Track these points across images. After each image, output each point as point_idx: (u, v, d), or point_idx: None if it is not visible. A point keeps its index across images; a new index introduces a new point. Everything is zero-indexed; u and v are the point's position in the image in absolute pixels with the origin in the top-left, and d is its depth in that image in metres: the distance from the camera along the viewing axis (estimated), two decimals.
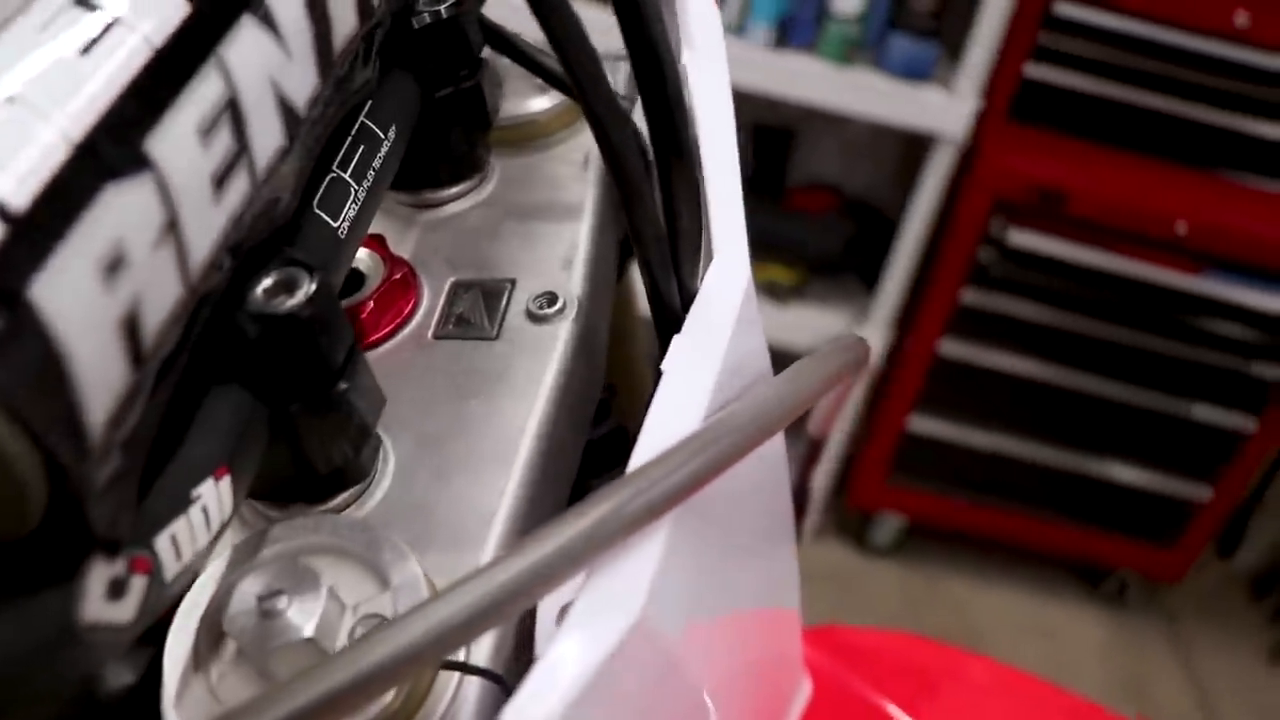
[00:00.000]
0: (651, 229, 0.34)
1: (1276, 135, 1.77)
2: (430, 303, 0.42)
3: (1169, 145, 1.81)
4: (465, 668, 0.31)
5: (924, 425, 2.01)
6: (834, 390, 0.51)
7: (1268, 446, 1.97)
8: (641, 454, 0.30)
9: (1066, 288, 1.83)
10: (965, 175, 1.78)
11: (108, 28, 0.24)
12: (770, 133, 2.11)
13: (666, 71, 0.33)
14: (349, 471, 0.35)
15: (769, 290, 2.03)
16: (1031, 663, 0.71)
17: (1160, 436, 1.97)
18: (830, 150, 2.16)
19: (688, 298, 0.35)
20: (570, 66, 0.32)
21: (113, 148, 0.23)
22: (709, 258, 0.35)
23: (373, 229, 0.45)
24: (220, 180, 0.27)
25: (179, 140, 0.25)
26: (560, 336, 0.40)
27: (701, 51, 0.39)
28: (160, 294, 0.25)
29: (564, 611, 0.31)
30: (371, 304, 0.40)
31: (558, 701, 0.25)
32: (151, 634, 0.33)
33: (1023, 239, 1.76)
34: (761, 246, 2.14)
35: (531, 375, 0.38)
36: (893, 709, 0.63)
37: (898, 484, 2.07)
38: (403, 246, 0.44)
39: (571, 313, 0.40)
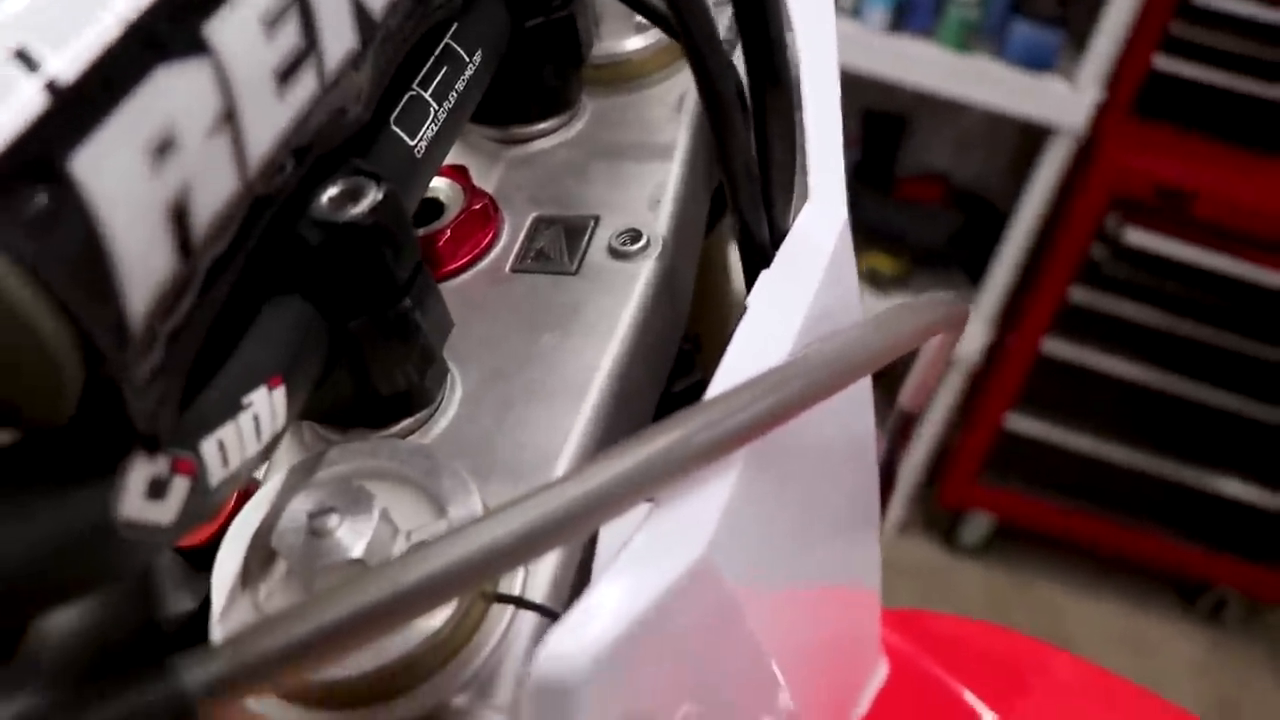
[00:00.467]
0: (742, 160, 0.32)
1: None
2: (510, 237, 0.41)
3: None
4: (519, 601, 0.30)
5: (1022, 424, 1.96)
6: (928, 359, 0.49)
7: None
8: (718, 385, 0.28)
9: (1182, 291, 1.76)
10: (1082, 170, 1.72)
11: None
12: (882, 119, 2.07)
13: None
14: (413, 397, 0.34)
15: (870, 279, 2.00)
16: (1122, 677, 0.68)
17: (1271, 451, 1.89)
18: (943, 139, 2.11)
19: (779, 236, 0.33)
20: None
21: (169, 29, 0.22)
22: (804, 198, 0.33)
23: (457, 161, 0.44)
24: (284, 76, 0.26)
25: (241, 28, 0.24)
26: (642, 275, 0.38)
27: None
28: (213, 185, 0.24)
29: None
30: (448, 233, 0.39)
31: (600, 635, 0.24)
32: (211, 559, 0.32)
33: (1139, 238, 1.70)
34: (866, 234, 2.11)
35: (609, 312, 0.37)
36: (971, 698, 0.61)
37: (991, 483, 2.02)
38: (486, 181, 0.43)
39: (655, 251, 0.39)
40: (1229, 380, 1.84)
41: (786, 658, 0.37)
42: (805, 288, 0.31)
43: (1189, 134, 1.73)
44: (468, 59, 0.37)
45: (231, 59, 0.23)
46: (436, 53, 0.36)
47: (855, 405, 0.39)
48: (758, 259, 0.33)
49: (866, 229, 2.03)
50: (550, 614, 0.30)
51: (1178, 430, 1.93)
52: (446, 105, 0.36)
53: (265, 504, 0.32)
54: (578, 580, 0.32)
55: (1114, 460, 1.96)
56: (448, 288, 0.39)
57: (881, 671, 0.60)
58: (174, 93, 0.22)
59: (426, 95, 0.35)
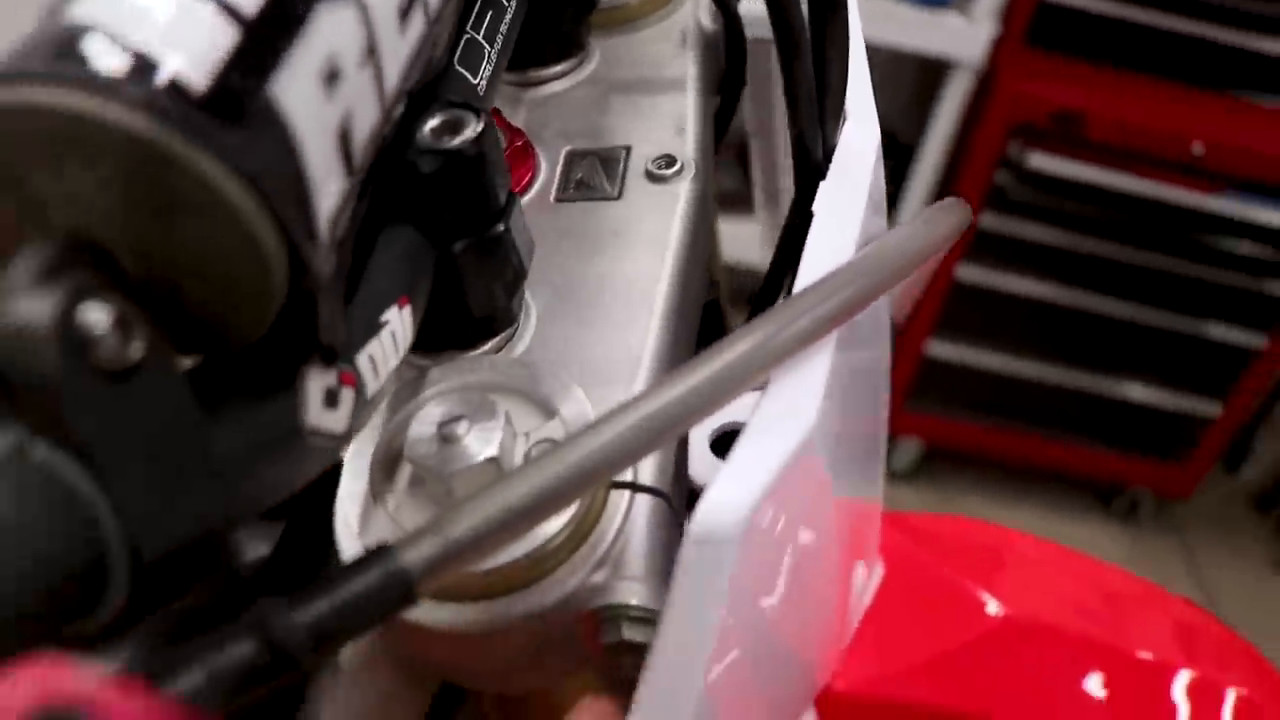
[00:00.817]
0: (806, 85, 0.36)
1: None
2: (548, 171, 0.44)
3: (1185, 67, 1.82)
4: (634, 486, 0.33)
5: (942, 350, 2.04)
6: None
7: (1276, 363, 2.00)
8: (805, 279, 0.32)
9: (1083, 210, 1.85)
10: (982, 100, 1.79)
11: None
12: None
13: None
14: (498, 318, 0.37)
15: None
16: None
17: (1173, 355, 2.00)
18: None
19: (829, 151, 0.37)
20: None
21: None
22: (844, 115, 0.37)
23: None
24: (405, 14, 0.28)
25: None
26: (681, 195, 0.41)
27: None
28: (364, 111, 0.27)
29: (719, 437, 0.33)
30: None
31: (747, 496, 0.27)
32: (288, 506, 0.34)
33: (1041, 162, 1.77)
34: None
35: (659, 230, 0.40)
36: (963, 578, 0.65)
37: (916, 409, 2.10)
38: (514, 121, 0.46)
39: (690, 173, 0.42)
40: (1129, 291, 1.94)
41: (837, 549, 0.41)
42: (858, 194, 0.35)
43: (1079, 61, 1.81)
44: (506, 4, 0.40)
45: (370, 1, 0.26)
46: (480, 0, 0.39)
47: (879, 309, 0.43)
48: (813, 172, 0.37)
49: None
50: (662, 495, 0.34)
51: (1085, 342, 2.03)
52: (495, 47, 0.38)
53: (376, 428, 0.35)
54: (676, 468, 0.35)
55: (1029, 376, 2.05)
56: None
57: (879, 570, 0.64)
58: (333, 28, 0.25)
59: (479, 38, 0.37)
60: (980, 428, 2.12)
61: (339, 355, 0.27)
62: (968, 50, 1.74)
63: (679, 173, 0.42)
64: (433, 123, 0.32)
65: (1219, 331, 1.95)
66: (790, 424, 0.29)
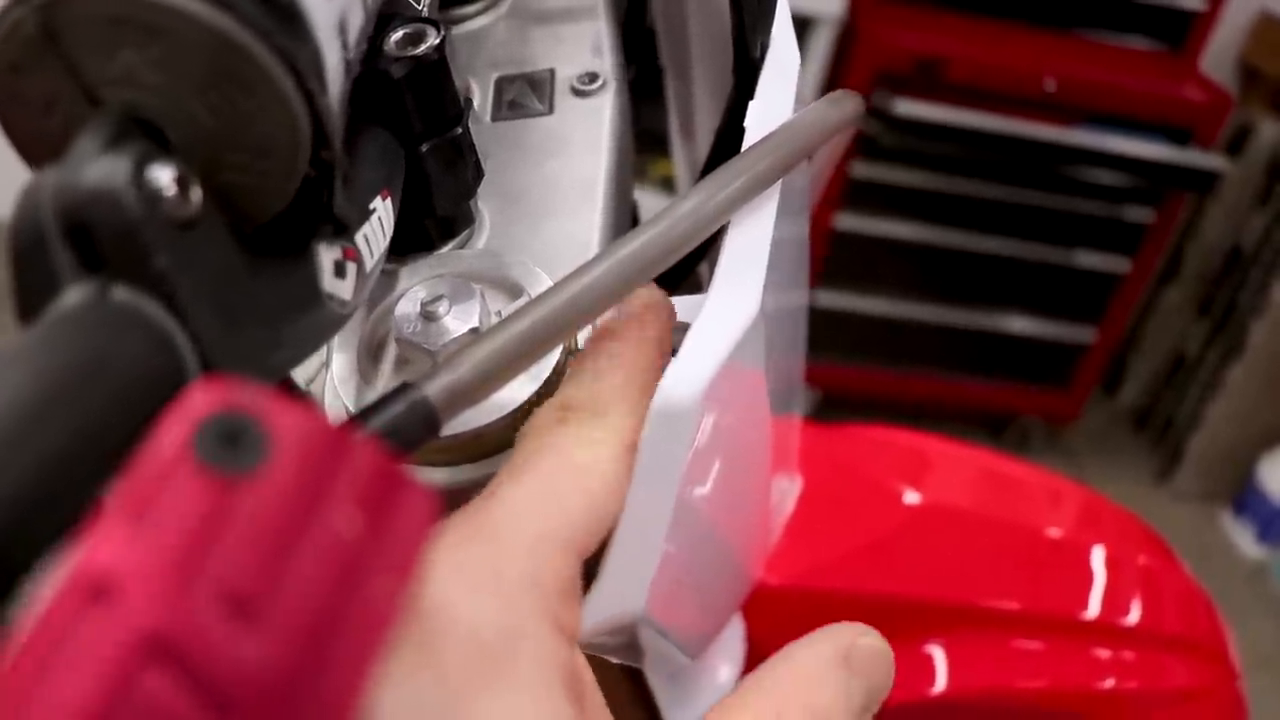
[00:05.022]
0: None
1: None
2: (481, 96, 0.46)
3: (1033, 9, 1.91)
4: None
5: (828, 300, 2.10)
6: (828, 154, 0.57)
7: (1141, 286, 2.12)
8: (751, 139, 0.35)
9: (951, 152, 1.93)
10: (845, 53, 1.86)
11: None
12: (650, 33, 2.14)
13: None
14: (458, 219, 0.40)
15: (663, 184, 2.08)
16: None
17: (1047, 286, 2.10)
18: None
19: (763, 47, 0.41)
20: None
21: None
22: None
23: None
24: None
25: None
26: (608, 106, 0.45)
27: None
28: (354, 12, 0.29)
29: None
30: None
31: (703, 370, 0.30)
32: None
33: (907, 108, 1.84)
34: (651, 142, 2.19)
35: (592, 137, 0.43)
36: (879, 474, 0.70)
37: (810, 359, 2.13)
38: None
39: (613, 85, 0.45)
40: (1001, 227, 2.03)
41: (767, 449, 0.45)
42: (790, 80, 0.39)
43: (934, 10, 1.89)
44: None
45: None
46: None
47: (803, 190, 0.47)
48: (752, 67, 0.41)
49: (653, 139, 2.10)
50: None
51: (965, 281, 2.11)
52: None
53: (358, 320, 0.37)
54: None
55: (914, 319, 2.13)
56: None
57: (798, 478, 0.68)
58: None
59: None
60: (873, 372, 2.20)
61: (348, 227, 0.30)
62: (827, 6, 1.80)
63: (602, 87, 0.45)
64: (396, 35, 0.35)
65: (1087, 259, 2.05)
66: (737, 314, 0.32)
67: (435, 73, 0.35)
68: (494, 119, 0.45)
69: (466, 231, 0.41)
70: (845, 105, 0.40)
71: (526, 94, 0.46)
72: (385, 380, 0.36)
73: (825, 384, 2.21)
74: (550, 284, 0.37)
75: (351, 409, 0.35)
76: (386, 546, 0.19)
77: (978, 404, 2.25)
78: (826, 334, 2.13)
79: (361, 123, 0.34)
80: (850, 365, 2.18)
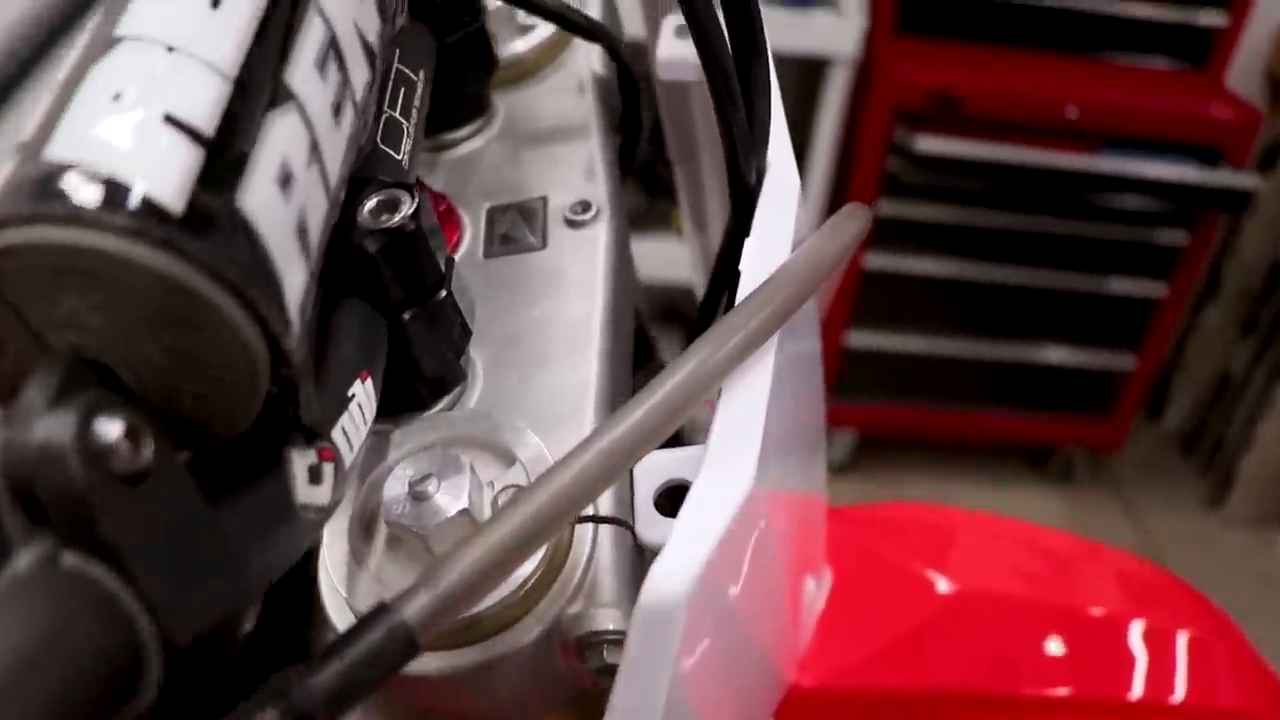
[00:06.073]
0: (739, 121, 0.38)
1: (1147, 15, 1.86)
2: (473, 229, 0.45)
3: (1049, 36, 1.89)
4: (597, 518, 0.35)
5: (860, 340, 2.08)
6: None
7: (1179, 309, 2.08)
8: (747, 287, 0.34)
9: (975, 185, 1.90)
10: (863, 92, 1.84)
11: None
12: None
13: None
14: (449, 376, 0.39)
15: (682, 232, 2.07)
16: None
17: (1082, 314, 2.07)
18: None
19: (760, 174, 0.40)
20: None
21: (264, 82, 0.27)
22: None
23: None
24: (337, 109, 0.30)
25: (306, 75, 0.28)
26: (601, 237, 0.43)
27: None
28: (316, 205, 0.28)
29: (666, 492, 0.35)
30: None
31: (693, 560, 0.28)
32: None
33: (928, 144, 1.82)
34: (669, 191, 2.17)
35: (586, 274, 0.42)
36: (911, 562, 0.68)
37: (845, 400, 2.13)
38: (434, 185, 0.48)
39: (605, 215, 0.44)
40: (1031, 258, 2.00)
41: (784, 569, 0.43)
42: (789, 208, 0.38)
43: (950, 43, 1.87)
44: (415, 78, 0.42)
45: (307, 100, 0.28)
46: (393, 77, 0.41)
47: (809, 313, 0.45)
48: (748, 196, 0.39)
49: (668, 187, 2.09)
50: (623, 524, 0.36)
51: (998, 314, 2.08)
52: (412, 121, 0.40)
53: (349, 494, 0.36)
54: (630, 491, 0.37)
55: (949, 354, 2.10)
56: None
57: (828, 573, 0.66)
58: (283, 135, 0.27)
59: (397, 115, 0.39)
60: (910, 410, 2.17)
61: (319, 434, 0.29)
62: (841, 45, 1.79)
63: (595, 216, 0.44)
64: (370, 204, 0.34)
65: (1121, 285, 2.02)
66: (729, 489, 0.30)
67: (412, 242, 0.34)
68: (486, 255, 0.44)
69: (459, 388, 0.39)
70: (849, 229, 0.39)
71: (519, 226, 0.45)
72: (378, 561, 0.34)
73: (862, 425, 2.19)
74: (539, 447, 0.36)
75: (344, 594, 0.34)
76: None
77: (1018, 437, 2.22)
78: (860, 374, 2.10)
79: (337, 296, 0.33)
80: (886, 405, 2.16)
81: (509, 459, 0.35)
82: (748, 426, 0.32)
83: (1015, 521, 0.77)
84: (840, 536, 0.69)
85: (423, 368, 0.37)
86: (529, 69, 0.52)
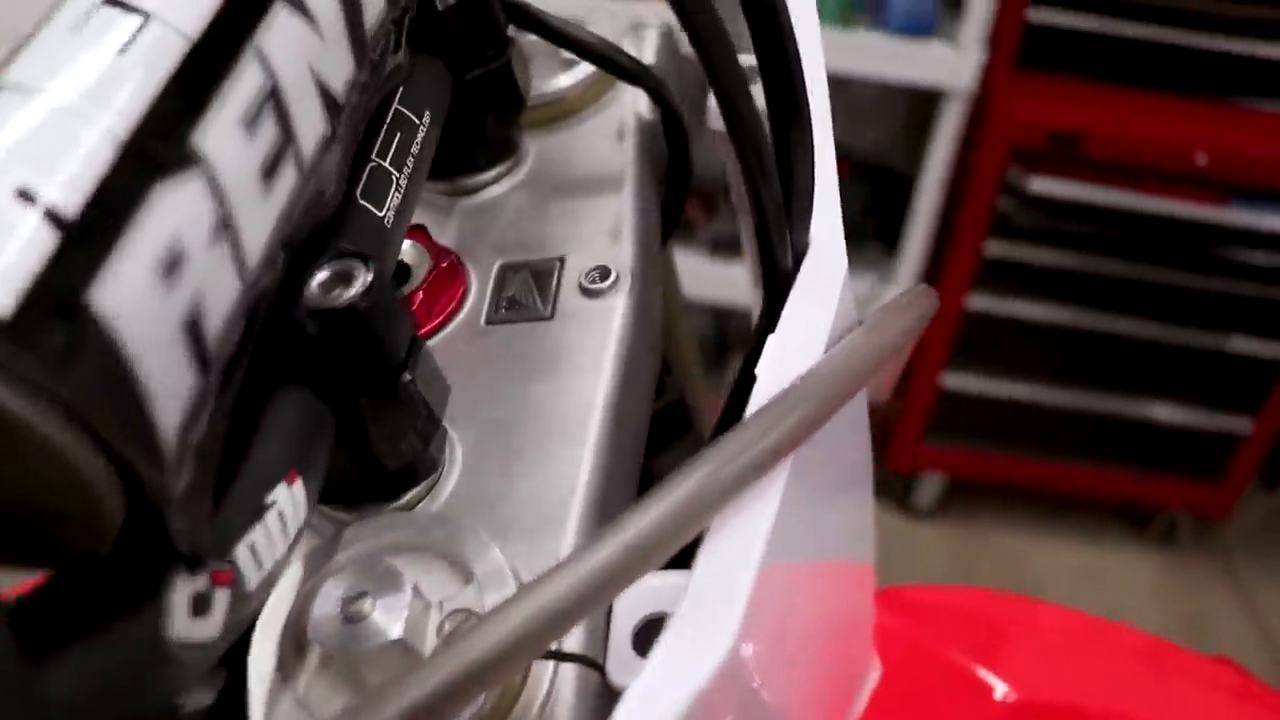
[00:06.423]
0: (771, 194, 0.33)
1: None
2: (479, 288, 0.41)
3: (1179, 77, 1.78)
4: (559, 655, 0.31)
5: (958, 382, 1.99)
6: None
7: None
8: (763, 395, 0.29)
9: (1091, 231, 1.81)
10: (978, 128, 1.76)
11: (141, 25, 0.23)
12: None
13: (784, 25, 0.32)
14: (418, 466, 0.34)
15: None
16: (1089, 609, 0.70)
17: (1198, 372, 1.95)
18: (837, 114, 2.12)
19: (799, 253, 0.34)
20: (691, 27, 0.30)
21: (159, 146, 0.22)
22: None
23: (412, 220, 0.45)
24: (269, 172, 0.26)
25: (224, 133, 0.24)
26: (617, 310, 0.39)
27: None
28: (220, 292, 0.24)
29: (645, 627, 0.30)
30: (421, 295, 0.39)
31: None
32: (230, 653, 0.32)
33: (1043, 185, 1.74)
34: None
35: (592, 352, 0.37)
36: (968, 663, 0.62)
37: (937, 443, 2.05)
38: (444, 235, 0.44)
39: (625, 285, 0.39)
40: (1147, 310, 1.89)
41: (801, 671, 0.38)
42: (828, 303, 0.32)
43: (1072, 80, 1.78)
44: (418, 121, 0.37)
45: (221, 166, 0.24)
46: (388, 120, 0.36)
47: (855, 404, 0.40)
48: (782, 282, 0.34)
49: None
50: (591, 664, 0.31)
51: (1107, 365, 1.98)
52: (406, 170, 0.36)
53: (290, 594, 0.32)
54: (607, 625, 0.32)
55: (1051, 403, 2.00)
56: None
57: (875, 672, 0.60)
58: (174, 209, 0.22)
59: (386, 164, 0.35)
60: (1005, 458, 2.07)
61: (203, 561, 0.24)
62: (958, 78, 1.71)
63: (614, 285, 0.39)
64: (320, 277, 0.29)
65: (1242, 345, 1.90)
66: (708, 646, 0.25)
67: (364, 324, 0.29)
68: (489, 320, 0.40)
69: (433, 476, 0.35)
70: (902, 321, 0.33)
71: (529, 290, 0.40)
72: (307, 680, 0.30)
73: (953, 469, 2.10)
74: (500, 564, 0.31)
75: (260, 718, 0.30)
76: None
77: (1119, 495, 2.10)
78: (954, 417, 2.02)
79: (274, 381, 0.29)
80: (979, 450, 2.07)
81: (466, 574, 0.31)
82: (736, 570, 0.27)
83: (1091, 617, 0.70)
84: (892, 624, 0.64)
85: (383, 460, 0.32)
86: (570, 108, 0.48)
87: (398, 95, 0.37)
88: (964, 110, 1.75)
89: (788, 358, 0.31)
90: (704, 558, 0.27)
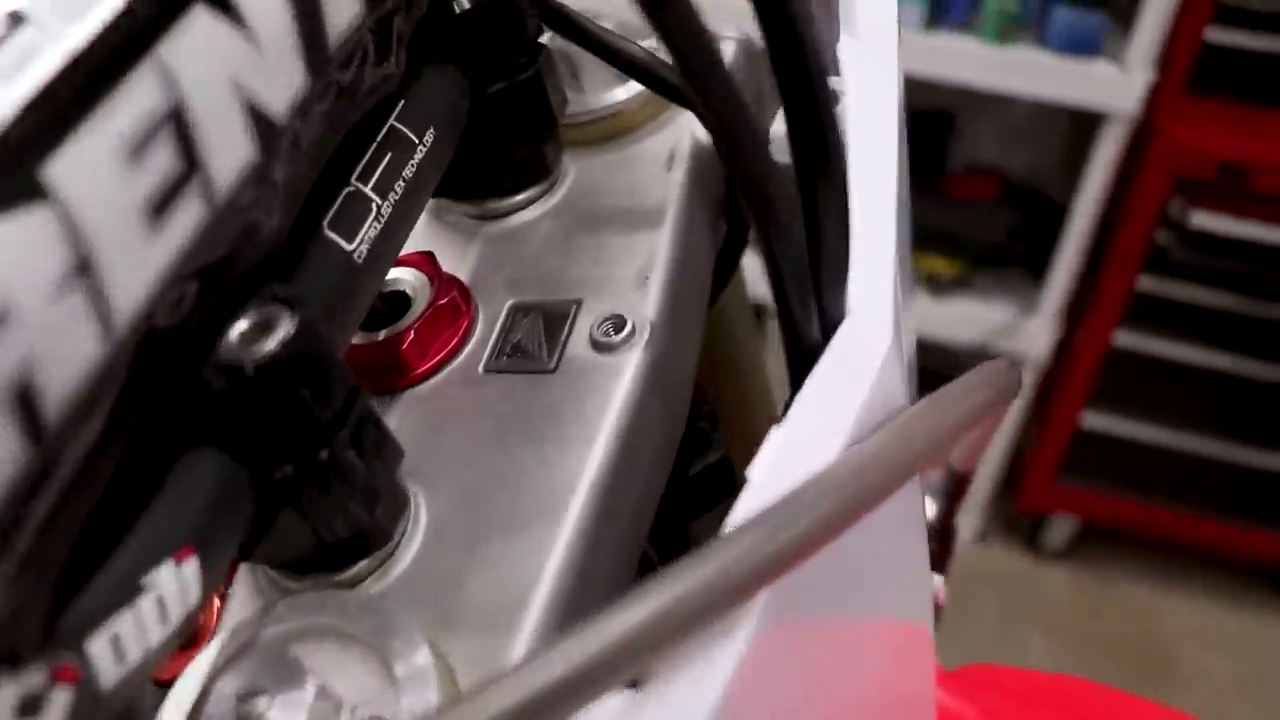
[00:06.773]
0: (790, 256, 0.27)
1: None
2: (485, 329, 0.37)
3: None
4: None
5: (1098, 422, 1.89)
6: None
7: None
8: (746, 506, 0.23)
9: (1251, 271, 1.68)
10: (1140, 154, 1.65)
11: (8, 30, 0.20)
12: (926, 117, 2.01)
13: (808, 57, 0.26)
14: (368, 536, 0.30)
15: (928, 282, 1.93)
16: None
17: None
18: (991, 133, 2.04)
19: (830, 326, 0.28)
20: (683, 58, 0.25)
21: None
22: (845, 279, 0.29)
23: (430, 243, 0.40)
24: (159, 208, 0.22)
25: (90, 165, 0.20)
26: (627, 370, 0.34)
27: (866, 36, 0.33)
28: (67, 355, 0.20)
29: None
30: (413, 334, 0.35)
31: None
32: None
33: (1206, 221, 1.62)
34: (918, 236, 2.04)
35: (589, 418, 0.33)
36: None
37: (1071, 484, 1.95)
38: (461, 264, 0.39)
39: (642, 339, 0.34)
40: None
41: None
42: (857, 388, 0.26)
43: (1240, 105, 1.65)
44: (417, 141, 0.33)
45: (80, 202, 0.20)
46: (378, 139, 0.32)
47: (905, 494, 0.34)
48: (808, 358, 0.28)
49: (919, 231, 1.97)
50: None
51: (1258, 415, 1.85)
52: (393, 197, 0.32)
53: (204, 670, 0.29)
54: None
55: (1198, 452, 1.88)
56: (415, 394, 0.36)
57: None
58: (3, 255, 0.18)
59: (367, 190, 0.31)
60: (1142, 505, 1.95)
61: (26, 657, 0.21)
62: (1122, 100, 1.60)
63: (628, 339, 0.34)
64: (242, 325, 0.25)
65: None
66: None
67: (283, 382, 0.25)
68: (487, 368, 0.36)
69: (386, 547, 0.31)
70: (959, 409, 0.27)
71: (535, 336, 0.36)
72: None
73: (1086, 512, 1.99)
74: (426, 668, 0.27)
75: None
76: None
77: (1266, 555, 1.96)
78: (1091, 458, 1.91)
79: (182, 445, 0.25)
80: (1115, 495, 1.95)
81: (389, 677, 0.27)
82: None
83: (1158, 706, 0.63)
84: (956, 710, 0.58)
85: (319, 534, 0.28)
86: (625, 125, 0.43)
87: (396, 110, 0.33)
88: (1125, 134, 1.64)
89: (794, 455, 0.25)
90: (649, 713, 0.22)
